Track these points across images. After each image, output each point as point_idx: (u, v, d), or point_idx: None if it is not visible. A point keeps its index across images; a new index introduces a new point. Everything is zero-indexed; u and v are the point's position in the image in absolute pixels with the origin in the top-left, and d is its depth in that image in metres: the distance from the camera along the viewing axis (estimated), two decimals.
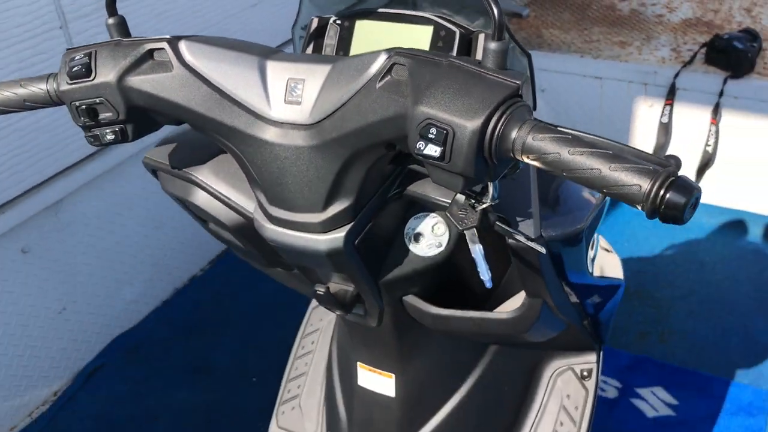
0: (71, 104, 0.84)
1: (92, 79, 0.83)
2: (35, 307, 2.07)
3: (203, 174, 0.97)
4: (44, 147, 1.97)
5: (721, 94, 2.47)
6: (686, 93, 2.54)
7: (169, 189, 1.03)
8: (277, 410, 1.44)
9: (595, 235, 1.21)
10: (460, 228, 0.77)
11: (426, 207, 0.92)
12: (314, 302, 1.51)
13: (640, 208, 0.61)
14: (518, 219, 0.82)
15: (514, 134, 0.65)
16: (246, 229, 0.98)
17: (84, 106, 0.83)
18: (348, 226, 0.85)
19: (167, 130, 0.98)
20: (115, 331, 2.34)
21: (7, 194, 1.91)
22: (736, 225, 2.64)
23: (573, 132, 0.66)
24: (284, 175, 0.83)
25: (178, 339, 2.37)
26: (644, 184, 0.59)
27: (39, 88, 0.87)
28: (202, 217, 1.05)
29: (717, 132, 2.52)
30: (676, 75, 2.53)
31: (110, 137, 0.86)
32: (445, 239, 0.93)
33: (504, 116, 0.66)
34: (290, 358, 1.48)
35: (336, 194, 0.83)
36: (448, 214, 0.78)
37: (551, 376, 1.29)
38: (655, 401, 2.03)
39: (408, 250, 0.95)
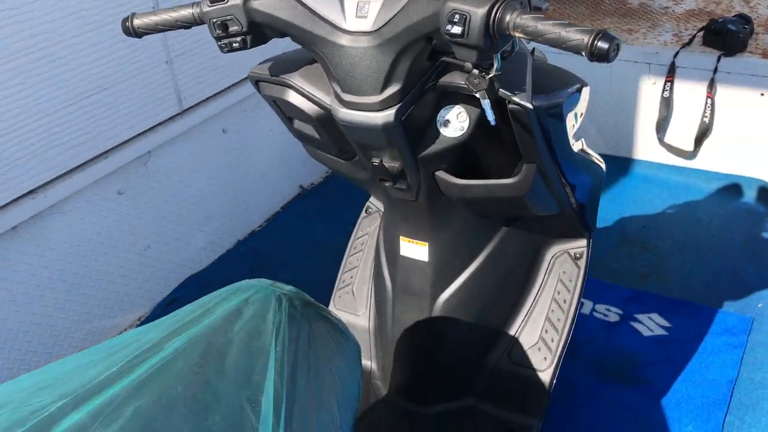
0: (210, 21, 1.24)
1: (225, 3, 1.22)
2: (126, 243, 2.48)
3: (294, 78, 1.36)
4: (137, 106, 2.39)
5: (715, 70, 2.81)
6: (685, 71, 2.88)
7: (267, 93, 1.42)
8: (334, 296, 1.81)
9: (581, 140, 1.56)
10: (475, 91, 1.15)
11: (452, 99, 1.29)
12: (363, 213, 1.88)
13: (582, 53, 0.98)
14: (515, 91, 1.19)
15: (508, 17, 1.03)
16: (324, 119, 1.36)
17: (219, 22, 1.23)
18: (397, 106, 1.24)
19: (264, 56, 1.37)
20: (189, 271, 2.75)
21: (108, 144, 2.33)
22: (730, 188, 2.96)
23: (543, 17, 1.04)
24: (354, 68, 1.21)
25: (240, 279, 2.76)
26: (584, 37, 0.97)
27: (187, 12, 1.27)
28: (291, 115, 1.43)
29: (713, 105, 2.86)
30: (676, 54, 2.88)
31: (236, 45, 1.25)
32: (466, 125, 1.30)
33: (501, 5, 1.04)
34: (344, 256, 1.85)
35: (389, 81, 1.21)
36: (467, 83, 1.15)
37: (551, 259, 1.65)
38: (651, 324, 2.36)
39: (439, 132, 1.32)
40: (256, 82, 1.43)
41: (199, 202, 2.73)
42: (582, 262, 1.64)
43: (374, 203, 1.86)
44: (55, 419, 0.84)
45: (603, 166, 1.63)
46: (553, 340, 1.57)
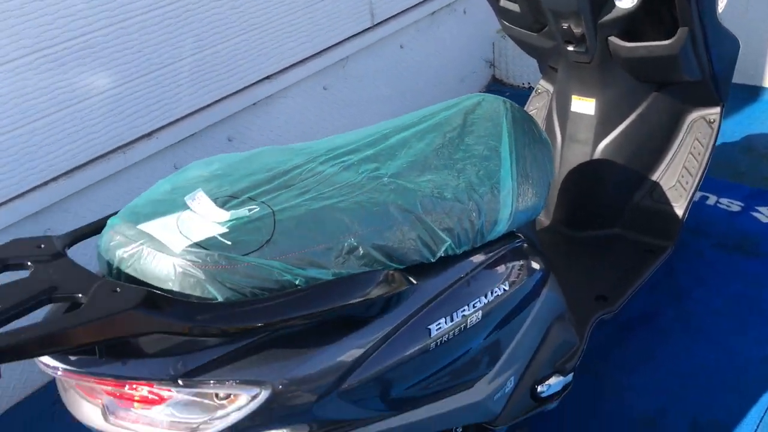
0: None
1: None
2: (327, 127, 3.07)
3: None
4: (338, 20, 2.96)
5: None
6: None
7: None
8: None
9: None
10: None
11: None
12: (534, 93, 2.36)
13: None
14: None
15: None
16: None
17: None
18: None
19: None
20: None
21: (314, 49, 2.90)
22: None
23: None
24: None
25: None
26: None
27: None
28: None
29: None
30: None
31: None
32: None
33: None
34: None
35: None
36: None
37: (689, 122, 2.07)
38: None
39: (614, 4, 1.78)
40: None
41: (382, 103, 3.29)
42: (715, 126, 2.06)
43: (543, 85, 2.33)
44: (356, 151, 1.31)
45: (739, 42, 2.02)
46: (687, 183, 2.01)
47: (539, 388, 1.45)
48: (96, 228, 1.08)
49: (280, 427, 0.98)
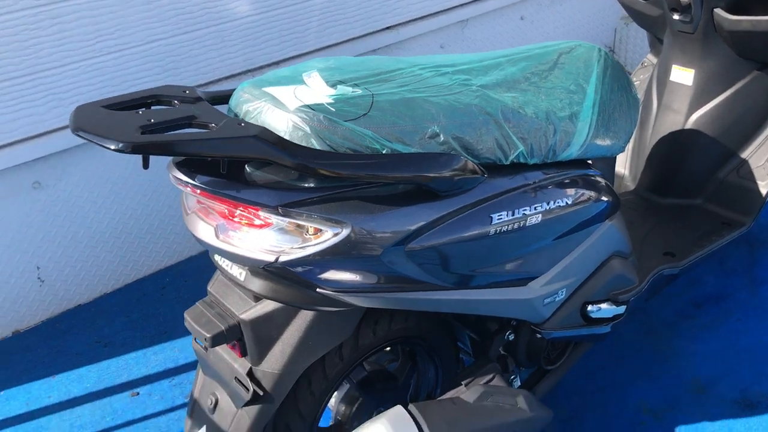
0: None
1: None
2: None
3: None
4: None
5: None
6: None
7: None
8: None
9: None
10: None
11: None
12: (639, 66, 2.44)
13: None
14: None
15: None
16: None
17: None
18: None
19: None
20: None
21: (433, 9, 3.08)
22: None
23: None
24: None
25: None
26: None
27: None
28: None
29: None
30: None
31: None
32: None
33: None
34: None
35: None
36: None
37: None
38: None
39: None
40: None
41: None
42: None
43: (649, 58, 2.41)
44: (453, 65, 1.47)
45: None
46: None
47: (589, 308, 1.58)
48: (229, 94, 1.31)
49: (354, 267, 1.17)
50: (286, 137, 1.15)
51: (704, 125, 2.09)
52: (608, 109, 1.54)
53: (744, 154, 2.11)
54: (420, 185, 1.21)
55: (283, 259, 1.15)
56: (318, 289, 1.20)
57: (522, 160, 1.36)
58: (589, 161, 1.56)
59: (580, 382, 2.01)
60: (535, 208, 1.36)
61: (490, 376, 1.54)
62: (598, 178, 1.55)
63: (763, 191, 2.06)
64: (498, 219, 1.30)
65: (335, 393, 1.66)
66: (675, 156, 2.14)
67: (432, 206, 1.23)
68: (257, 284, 1.23)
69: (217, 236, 1.19)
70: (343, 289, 1.20)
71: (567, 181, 1.45)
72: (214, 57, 2.47)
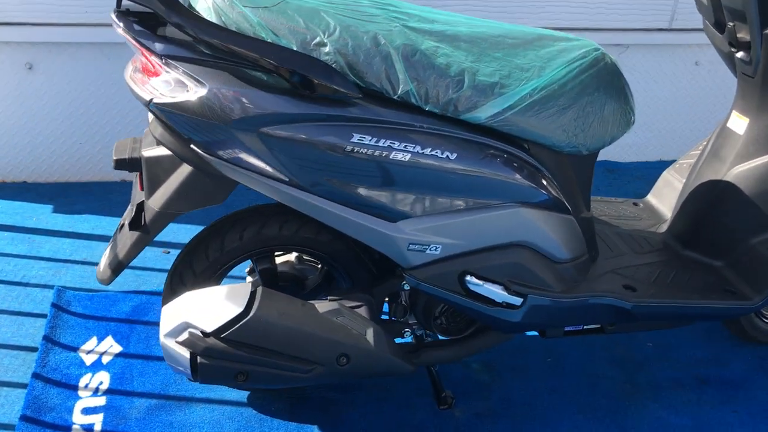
0: None
1: None
2: None
3: None
4: (621, 3, 3.02)
5: None
6: None
7: None
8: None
9: None
10: None
11: None
12: None
13: None
14: None
15: None
16: None
17: None
18: None
19: None
20: None
21: (590, 23, 3.02)
22: None
23: None
24: None
25: None
26: None
27: None
28: None
29: None
30: None
31: None
32: None
33: None
34: None
35: None
36: None
37: None
38: None
39: None
40: None
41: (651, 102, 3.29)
42: None
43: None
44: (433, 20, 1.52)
45: None
46: None
47: (468, 278, 1.57)
48: None
49: (213, 132, 1.33)
50: (196, 6, 1.38)
51: (744, 181, 1.87)
52: (565, 101, 1.53)
53: None
54: (281, 77, 1.36)
55: (155, 101, 1.38)
56: (191, 145, 1.42)
57: (414, 102, 1.42)
58: (525, 144, 1.56)
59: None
60: (405, 147, 1.42)
61: (358, 303, 1.63)
62: (522, 160, 1.54)
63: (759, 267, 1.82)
64: (358, 139, 1.40)
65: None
66: (707, 208, 1.95)
67: (294, 102, 1.37)
68: (156, 129, 1.48)
69: (128, 75, 1.46)
70: (208, 152, 1.40)
71: (463, 141, 1.47)
72: None
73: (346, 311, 1.56)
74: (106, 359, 2.00)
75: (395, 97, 1.41)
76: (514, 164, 1.53)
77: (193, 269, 1.64)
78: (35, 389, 1.86)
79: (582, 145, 1.59)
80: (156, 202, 1.51)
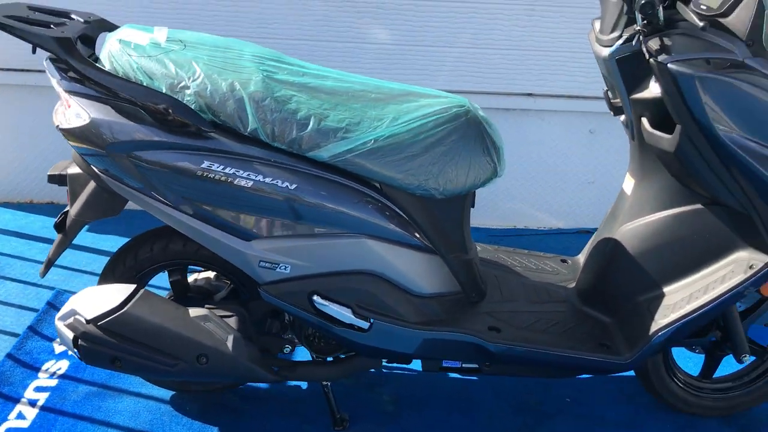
0: None
1: None
2: None
3: None
4: None
5: None
6: None
7: None
8: None
9: None
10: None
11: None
12: None
13: None
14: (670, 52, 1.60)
15: None
16: None
17: None
18: (614, 46, 1.76)
19: None
20: None
21: (583, 92, 3.09)
22: None
23: None
24: (605, 12, 1.79)
25: None
26: None
27: None
28: None
29: None
30: None
31: None
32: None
33: None
34: None
35: (615, 27, 1.75)
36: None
37: (733, 257, 1.80)
38: None
39: (649, 85, 1.77)
40: None
41: None
42: (750, 273, 1.75)
43: None
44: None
45: None
46: (682, 309, 1.80)
47: (315, 297, 1.75)
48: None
49: (98, 156, 1.67)
50: (101, 52, 1.74)
51: (630, 240, 1.92)
52: (415, 149, 1.72)
53: (666, 288, 1.89)
54: (149, 112, 1.66)
55: (61, 127, 1.74)
56: (90, 165, 1.76)
57: (263, 138, 1.68)
58: (377, 183, 1.76)
59: None
60: (248, 175, 1.67)
61: (230, 314, 1.87)
62: (369, 197, 1.73)
63: (652, 329, 1.84)
64: (207, 165, 1.66)
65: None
66: (604, 265, 2.01)
67: (158, 132, 1.66)
68: (73, 151, 1.83)
69: (54, 112, 1.83)
70: (101, 171, 1.73)
71: (306, 174, 1.69)
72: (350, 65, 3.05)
73: (214, 318, 1.80)
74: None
75: (246, 133, 1.68)
76: (360, 200, 1.73)
77: (114, 273, 1.96)
78: (3, 366, 2.24)
79: (435, 189, 1.76)
80: (73, 210, 1.85)
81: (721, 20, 1.68)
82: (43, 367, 2.27)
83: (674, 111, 1.68)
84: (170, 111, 1.64)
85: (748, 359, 2.02)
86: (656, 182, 1.89)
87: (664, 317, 1.84)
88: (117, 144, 1.67)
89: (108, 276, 1.96)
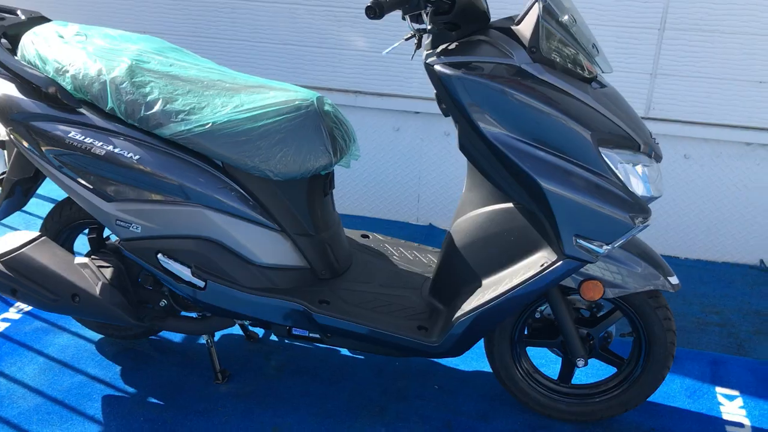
0: None
1: None
2: None
3: None
4: None
5: None
6: None
7: None
8: None
9: None
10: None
11: None
12: None
13: None
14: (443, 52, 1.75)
15: None
16: None
17: None
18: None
19: None
20: None
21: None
22: None
23: None
24: None
25: None
26: None
27: None
28: None
29: None
30: None
31: None
32: None
33: None
34: None
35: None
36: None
37: (531, 251, 1.89)
38: None
39: None
40: None
41: None
42: (538, 269, 1.80)
43: None
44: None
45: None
46: (481, 299, 1.89)
47: (160, 255, 2.03)
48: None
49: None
50: (19, 45, 2.17)
51: (458, 235, 2.02)
52: (250, 134, 1.96)
53: (485, 280, 1.98)
54: (38, 89, 2.05)
55: None
56: (8, 132, 2.19)
57: (119, 116, 2.01)
58: (220, 162, 2.03)
59: None
60: (101, 145, 1.99)
61: (108, 265, 2.22)
62: (208, 173, 2.00)
63: (455, 316, 1.95)
64: (72, 135, 2.02)
65: None
66: (442, 257, 2.12)
67: (43, 107, 2.03)
68: None
69: None
70: (14, 136, 2.16)
71: (150, 148, 1.99)
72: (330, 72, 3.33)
73: (91, 266, 2.16)
74: None
75: (107, 111, 2.03)
76: (200, 174, 2.01)
77: (46, 227, 2.39)
78: None
79: (270, 171, 2.00)
80: (7, 169, 2.30)
81: (513, 28, 1.79)
82: (16, 306, 2.75)
83: (449, 111, 1.80)
84: (50, 90, 2.02)
85: (584, 364, 2.04)
86: (479, 180, 1.99)
87: (468, 305, 1.94)
88: (17, 114, 2.08)
89: (44, 227, 2.38)
